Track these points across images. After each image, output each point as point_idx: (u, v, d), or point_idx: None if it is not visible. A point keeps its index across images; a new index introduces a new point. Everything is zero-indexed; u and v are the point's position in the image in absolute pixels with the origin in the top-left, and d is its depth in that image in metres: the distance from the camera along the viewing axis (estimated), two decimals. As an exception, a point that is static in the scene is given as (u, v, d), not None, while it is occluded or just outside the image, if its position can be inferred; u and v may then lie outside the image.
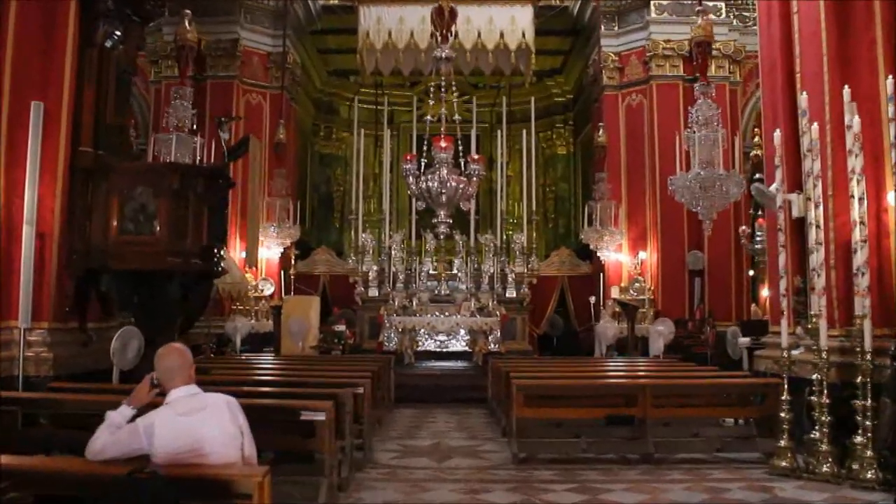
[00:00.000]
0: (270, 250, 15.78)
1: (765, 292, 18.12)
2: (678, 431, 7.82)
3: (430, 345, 15.10)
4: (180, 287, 7.28)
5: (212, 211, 7.42)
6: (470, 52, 16.05)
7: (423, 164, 9.04)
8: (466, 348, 14.97)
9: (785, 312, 6.80)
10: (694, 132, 9.50)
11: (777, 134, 6.86)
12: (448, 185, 8.60)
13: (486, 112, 20.33)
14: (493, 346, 14.86)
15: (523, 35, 16.08)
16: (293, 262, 16.15)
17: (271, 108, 16.34)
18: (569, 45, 19.50)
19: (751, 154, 14.35)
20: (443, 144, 8.73)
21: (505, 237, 17.52)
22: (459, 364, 14.68)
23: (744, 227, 13.54)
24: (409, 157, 9.02)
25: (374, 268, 16.52)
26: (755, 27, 16.13)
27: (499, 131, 18.17)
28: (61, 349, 7.20)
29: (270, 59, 16.44)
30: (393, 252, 16.59)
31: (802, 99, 6.83)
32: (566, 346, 16.87)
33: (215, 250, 7.54)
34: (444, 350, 15.07)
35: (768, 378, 7.76)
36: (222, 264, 7.85)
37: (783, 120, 7.92)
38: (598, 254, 16.09)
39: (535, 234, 17.53)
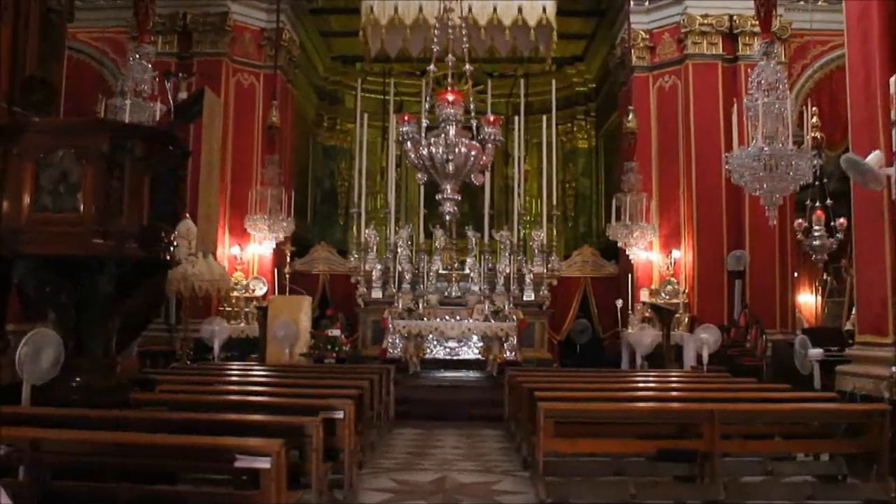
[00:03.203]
0: (262, 246, 14.24)
1: (802, 297, 16.56)
2: (744, 468, 6.19)
3: (438, 352, 13.53)
4: (116, 279, 5.69)
5: (157, 183, 5.83)
6: (485, 28, 14.49)
7: (425, 126, 7.37)
8: (479, 356, 13.37)
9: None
10: (756, 100, 7.85)
11: (893, 79, 5.26)
12: (457, 150, 6.90)
13: (501, 103, 18.78)
14: (509, 354, 13.26)
15: (544, 10, 14.48)
16: (289, 259, 14.61)
17: (265, 89, 14.82)
18: (592, 28, 17.89)
19: (807, 137, 12.71)
20: (450, 98, 7.04)
21: (522, 235, 15.95)
22: (471, 374, 13.13)
23: (800, 220, 11.86)
24: (407, 118, 7.32)
25: (378, 267, 14.95)
26: (803, 2, 14.87)
27: (516, 122, 16.53)
28: (-38, 358, 5.68)
29: (265, 37, 14.92)
30: (399, 250, 15.02)
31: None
32: (590, 354, 15.28)
33: (162, 233, 5.94)
34: (455, 358, 13.48)
35: (870, 403, 6.08)
36: (175, 251, 6.26)
37: (880, 74, 6.29)
38: (627, 252, 14.46)
39: (554, 233, 15.92)
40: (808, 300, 16.84)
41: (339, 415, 5.25)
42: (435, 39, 9.08)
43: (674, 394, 7.48)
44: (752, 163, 7.79)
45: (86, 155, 5.43)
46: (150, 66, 8.25)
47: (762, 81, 7.90)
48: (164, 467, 3.93)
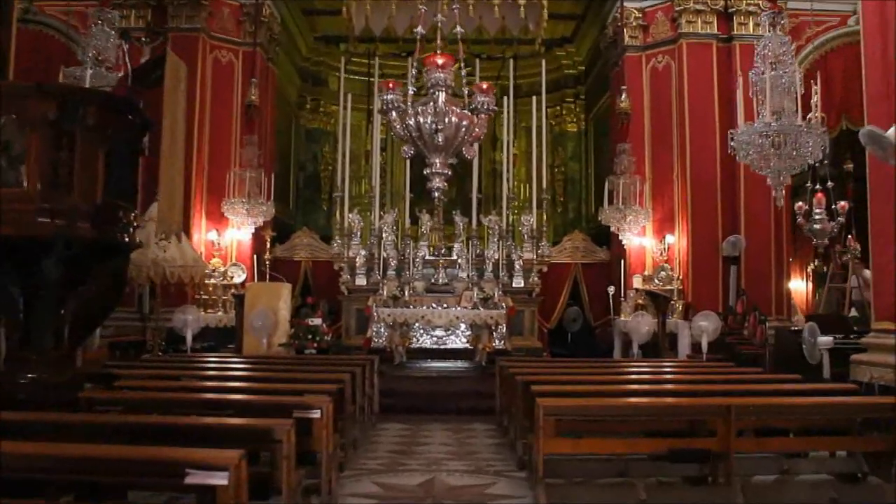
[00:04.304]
0: (241, 231, 13.67)
1: (793, 284, 16.10)
2: (756, 467, 5.68)
3: (425, 341, 13.03)
4: (67, 264, 5.12)
5: (114, 157, 5.27)
6: (473, 6, 13.97)
7: (411, 94, 6.74)
8: (468, 346, 12.87)
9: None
10: (762, 73, 7.35)
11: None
12: (447, 120, 6.32)
13: (489, 86, 18.22)
14: (498, 342, 12.76)
15: (534, -13, 13.99)
16: (268, 245, 14.03)
17: (244, 67, 14.23)
18: (582, 8, 17.37)
19: (808, 117, 12.27)
20: (439, 61, 6.44)
21: (511, 220, 15.43)
22: (459, 364, 12.64)
23: (800, 204, 11.40)
24: (391, 85, 6.70)
25: (363, 253, 14.41)
26: (798, -22, 14.38)
27: (504, 105, 15.96)
28: None
29: (244, 12, 14.29)
30: (384, 235, 14.48)
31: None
32: (582, 343, 14.82)
33: (120, 213, 5.39)
34: (442, 347, 12.99)
35: (890, 395, 5.60)
36: (134, 233, 5.70)
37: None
38: (620, 237, 13.98)
39: (544, 218, 15.41)
40: (798, 287, 16.43)
41: (316, 414, 4.71)
42: (422, 11, 8.48)
43: (680, 387, 6.95)
44: (759, 139, 7.30)
45: (30, 122, 4.87)
46: (112, 32, 7.65)
47: (768, 53, 7.40)
48: (106, 483, 3.39)
